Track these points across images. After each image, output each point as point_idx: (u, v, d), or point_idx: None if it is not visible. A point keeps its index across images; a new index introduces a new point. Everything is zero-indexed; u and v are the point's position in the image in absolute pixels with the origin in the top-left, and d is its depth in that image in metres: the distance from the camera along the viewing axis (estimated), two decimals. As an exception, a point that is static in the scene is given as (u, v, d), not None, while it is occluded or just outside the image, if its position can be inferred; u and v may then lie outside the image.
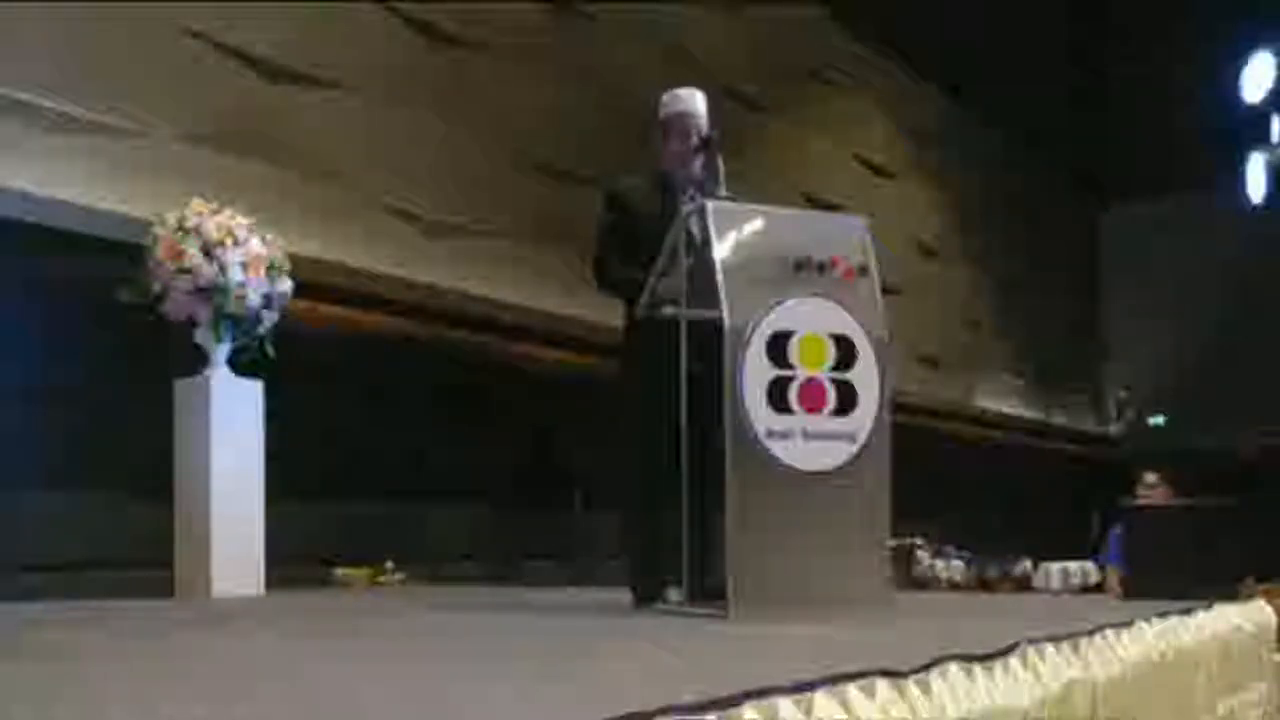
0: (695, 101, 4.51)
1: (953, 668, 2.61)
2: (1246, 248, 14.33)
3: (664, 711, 1.82)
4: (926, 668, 2.52)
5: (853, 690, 2.25)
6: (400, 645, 3.36)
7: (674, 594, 4.17)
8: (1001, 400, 15.08)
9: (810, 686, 2.15)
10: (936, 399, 13.08)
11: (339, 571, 6.47)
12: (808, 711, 2.11)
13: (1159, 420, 16.41)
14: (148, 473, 5.43)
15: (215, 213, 5.40)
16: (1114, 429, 17.01)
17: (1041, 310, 15.67)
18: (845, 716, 2.18)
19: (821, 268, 4.03)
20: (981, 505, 12.38)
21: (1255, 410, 14.41)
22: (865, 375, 4.02)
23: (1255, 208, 11.17)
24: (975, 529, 9.57)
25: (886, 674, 2.38)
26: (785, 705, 2.06)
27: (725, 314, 3.84)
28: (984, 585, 7.01)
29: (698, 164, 4.45)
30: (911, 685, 2.43)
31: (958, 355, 14.26)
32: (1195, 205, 14.85)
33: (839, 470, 3.92)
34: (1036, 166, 15.42)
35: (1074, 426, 16.60)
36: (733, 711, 1.95)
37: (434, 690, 2.32)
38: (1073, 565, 7.01)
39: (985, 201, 14.69)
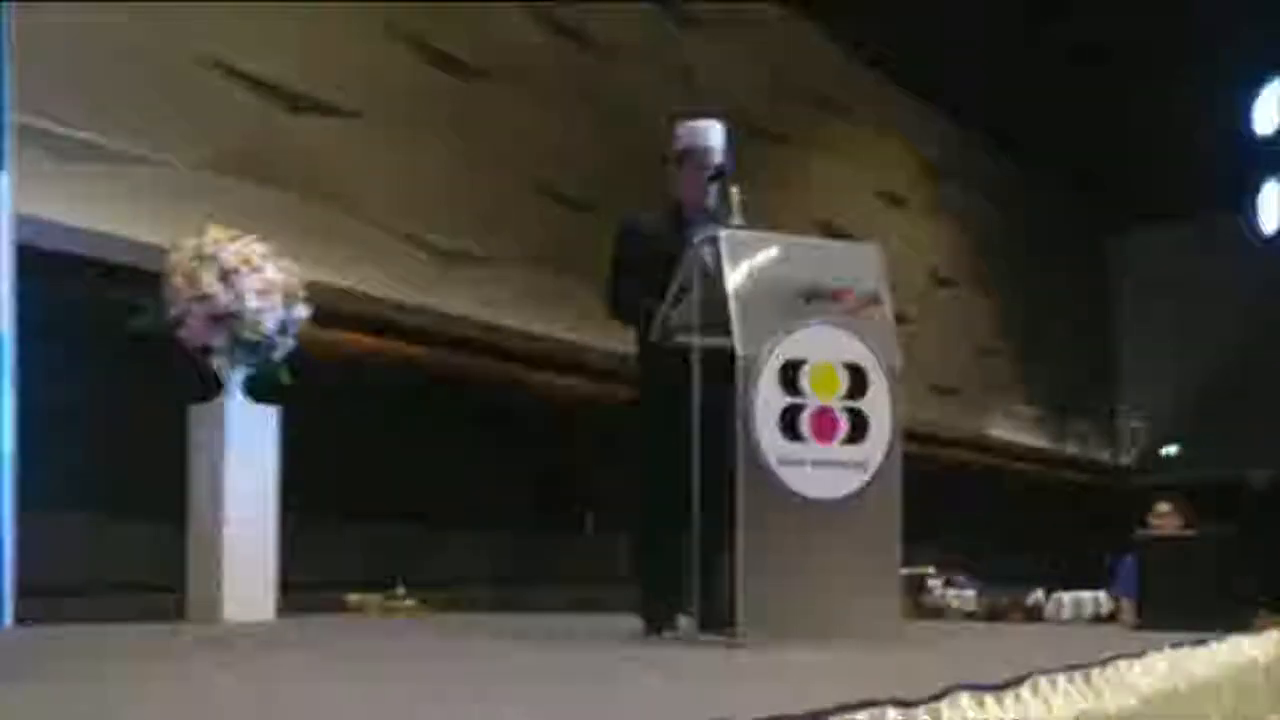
0: (711, 134, 4.54)
1: (964, 698, 2.61)
2: (1259, 278, 14.31)
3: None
4: (937, 697, 2.52)
5: (864, 719, 2.26)
6: (409, 670, 3.37)
7: (684, 621, 4.17)
8: (1014, 430, 15.04)
9: (821, 715, 2.16)
10: (949, 428, 13.06)
11: (352, 597, 6.47)
12: (819, 741, 2.12)
13: (1172, 450, 16.34)
14: (162, 498, 5.46)
15: (233, 239, 5.45)
16: (1127, 459, 16.94)
17: (1055, 339, 15.65)
18: (856, 746, 2.19)
19: (834, 296, 4.06)
20: (993, 535, 12.33)
21: (1268, 441, 14.35)
22: (877, 404, 4.04)
23: (1268, 239, 11.16)
24: (987, 558, 9.54)
25: (897, 703, 2.38)
26: (797, 734, 2.06)
27: (737, 342, 3.86)
28: (995, 615, 6.99)
29: (712, 194, 4.48)
30: (923, 715, 2.43)
31: (971, 384, 14.24)
32: (1209, 235, 14.83)
33: (850, 499, 3.93)
34: (1050, 195, 15.43)
35: (1087, 456, 16.54)
36: (744, 740, 1.96)
37: (443, 716, 2.33)
38: (1085, 595, 6.99)
39: (999, 230, 14.70)
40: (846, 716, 2.22)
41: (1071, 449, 16.20)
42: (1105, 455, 16.99)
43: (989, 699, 2.70)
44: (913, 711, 2.41)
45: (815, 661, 3.37)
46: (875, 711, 2.30)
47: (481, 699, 2.63)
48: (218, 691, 2.82)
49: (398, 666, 3.55)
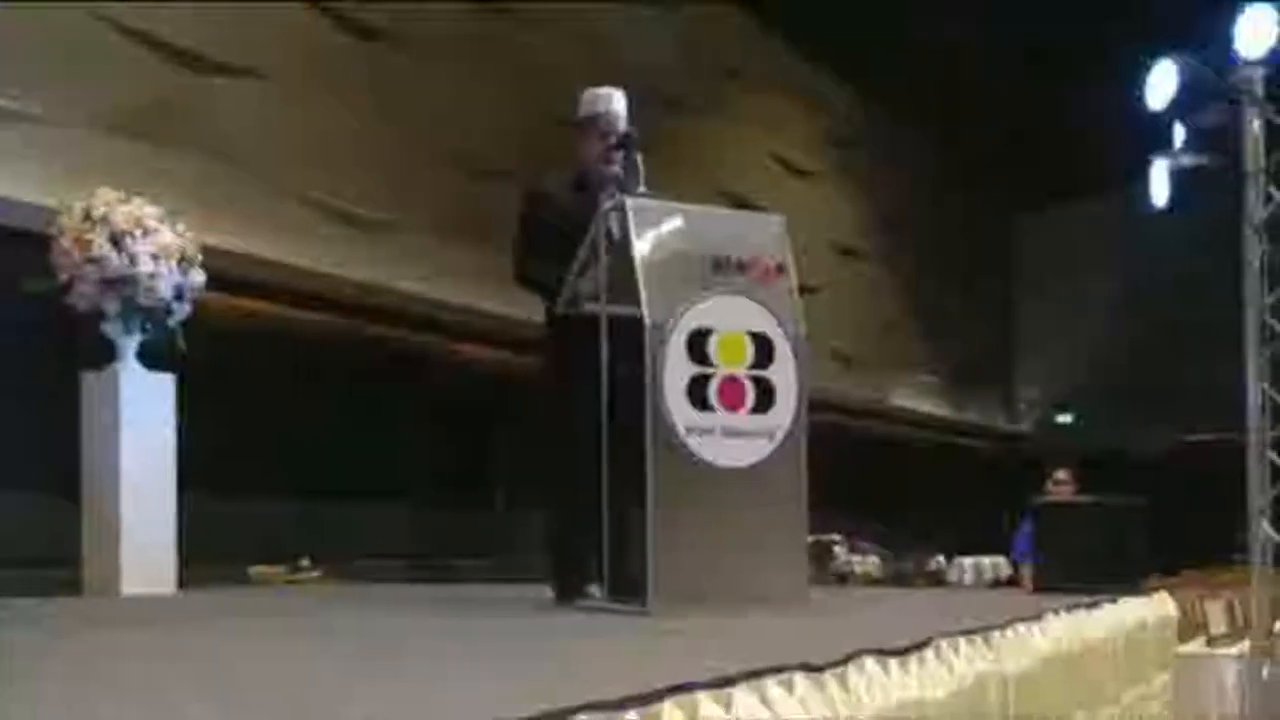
0: (613, 100, 4.52)
1: (869, 662, 2.65)
2: (1152, 251, 14.71)
3: (585, 708, 1.82)
4: (843, 662, 2.56)
5: (772, 685, 2.27)
6: (311, 644, 3.32)
7: (595, 590, 4.17)
8: (916, 398, 15.30)
9: (730, 682, 2.17)
10: (852, 397, 13.24)
11: (254, 569, 6.36)
12: (727, 707, 2.13)
13: (1067, 418, 16.78)
14: (55, 468, 5.30)
15: (124, 202, 5.27)
16: (1024, 426, 17.36)
17: (955, 310, 15.94)
18: (765, 711, 2.20)
19: (740, 266, 4.07)
20: (896, 501, 12.56)
21: (1160, 409, 14.81)
22: (783, 373, 4.06)
23: (1159, 212, 11.45)
24: (890, 525, 9.70)
25: (805, 668, 2.41)
26: (705, 701, 2.07)
27: (645, 311, 3.85)
28: (899, 580, 7.13)
29: (617, 162, 4.45)
30: (829, 679, 2.46)
31: (873, 354, 14.44)
32: (1104, 209, 15.21)
33: (758, 467, 3.96)
34: (952, 168, 15.68)
35: (986, 424, 16.92)
36: (653, 708, 1.96)
37: (341, 690, 2.30)
38: (985, 560, 7.15)
39: (901, 202, 14.90)
40: (755, 682, 2.23)
41: (971, 417, 16.54)
42: (1004, 423, 17.39)
43: (893, 663, 2.75)
44: (820, 676, 2.44)
45: (724, 628, 3.39)
46: (783, 677, 2.32)
47: (381, 674, 2.60)
48: (111, 668, 2.75)
49: (300, 643, 3.49)
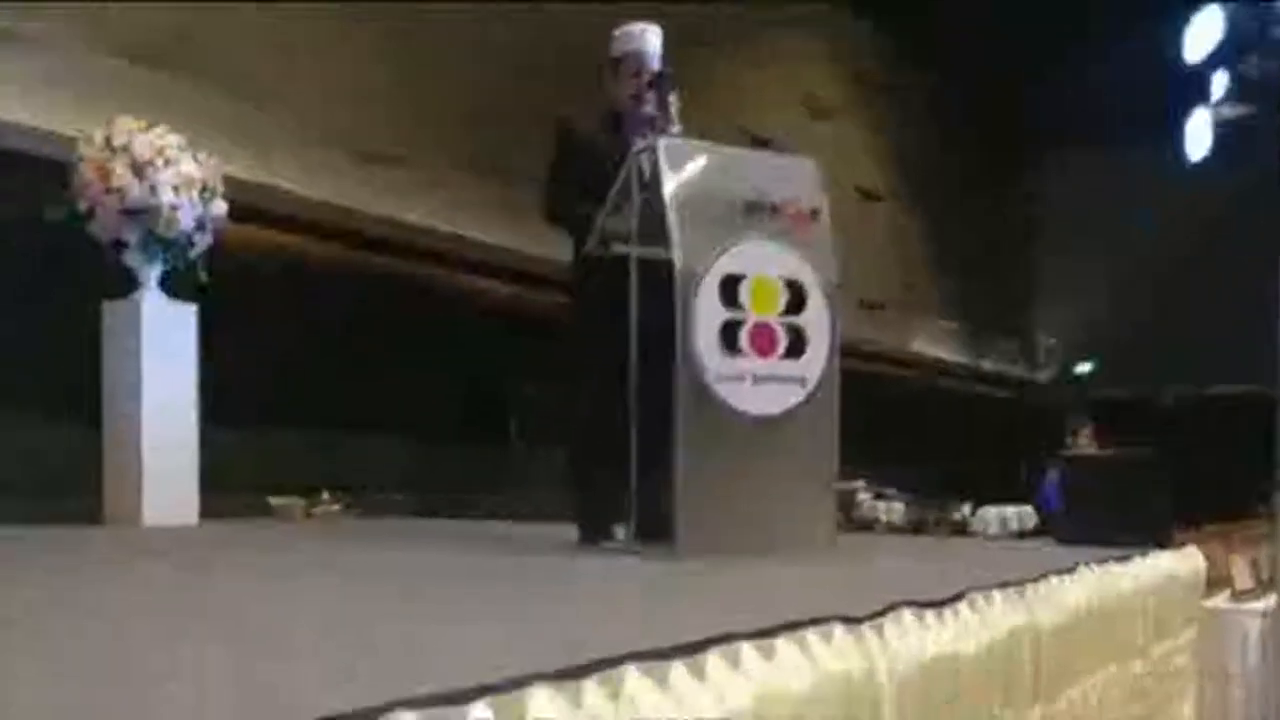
0: (647, 38, 4.42)
1: (906, 614, 2.62)
2: (1179, 202, 14.53)
3: (631, 658, 1.79)
4: (881, 614, 2.52)
5: (812, 636, 2.24)
6: (338, 584, 3.28)
7: (620, 532, 4.14)
8: (937, 345, 15.22)
9: (772, 633, 2.13)
10: (874, 343, 13.15)
11: (275, 501, 6.35)
12: (769, 657, 2.09)
13: (1086, 368, 16.69)
14: (77, 397, 5.27)
15: (145, 130, 5.20)
16: (1044, 376, 17.28)
17: (977, 257, 15.80)
18: (805, 662, 2.17)
19: (774, 210, 3.98)
20: (919, 449, 12.50)
21: (1183, 360, 14.71)
22: (816, 319, 4.00)
23: (1191, 164, 11.28)
24: (912, 472, 9.65)
25: (844, 620, 2.37)
26: (748, 651, 2.04)
27: (677, 255, 3.78)
28: (923, 528, 7.09)
29: (650, 102, 4.36)
30: (868, 631, 2.43)
31: (894, 300, 14.34)
32: (1132, 158, 14.98)
33: (789, 414, 3.91)
34: (977, 113, 15.46)
35: (1005, 372, 16.84)
36: (698, 658, 1.92)
37: (367, 633, 2.26)
38: (1010, 510, 7.09)
39: (924, 147, 14.71)
40: (795, 634, 2.19)
41: (990, 365, 16.46)
42: (1023, 371, 17.31)
43: (929, 615, 2.72)
44: (859, 628, 2.40)
45: (754, 576, 3.36)
46: (823, 629, 2.28)
47: (419, 615, 2.57)
48: (128, 600, 2.73)
49: (325, 581, 3.47)
